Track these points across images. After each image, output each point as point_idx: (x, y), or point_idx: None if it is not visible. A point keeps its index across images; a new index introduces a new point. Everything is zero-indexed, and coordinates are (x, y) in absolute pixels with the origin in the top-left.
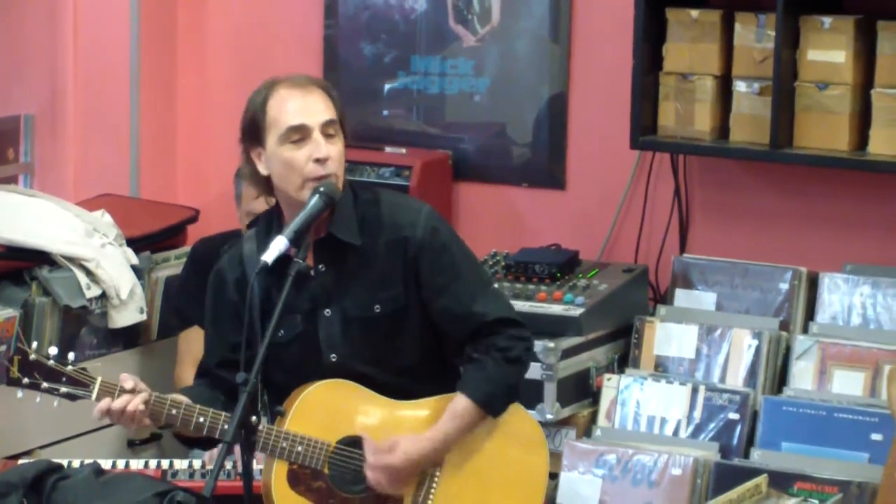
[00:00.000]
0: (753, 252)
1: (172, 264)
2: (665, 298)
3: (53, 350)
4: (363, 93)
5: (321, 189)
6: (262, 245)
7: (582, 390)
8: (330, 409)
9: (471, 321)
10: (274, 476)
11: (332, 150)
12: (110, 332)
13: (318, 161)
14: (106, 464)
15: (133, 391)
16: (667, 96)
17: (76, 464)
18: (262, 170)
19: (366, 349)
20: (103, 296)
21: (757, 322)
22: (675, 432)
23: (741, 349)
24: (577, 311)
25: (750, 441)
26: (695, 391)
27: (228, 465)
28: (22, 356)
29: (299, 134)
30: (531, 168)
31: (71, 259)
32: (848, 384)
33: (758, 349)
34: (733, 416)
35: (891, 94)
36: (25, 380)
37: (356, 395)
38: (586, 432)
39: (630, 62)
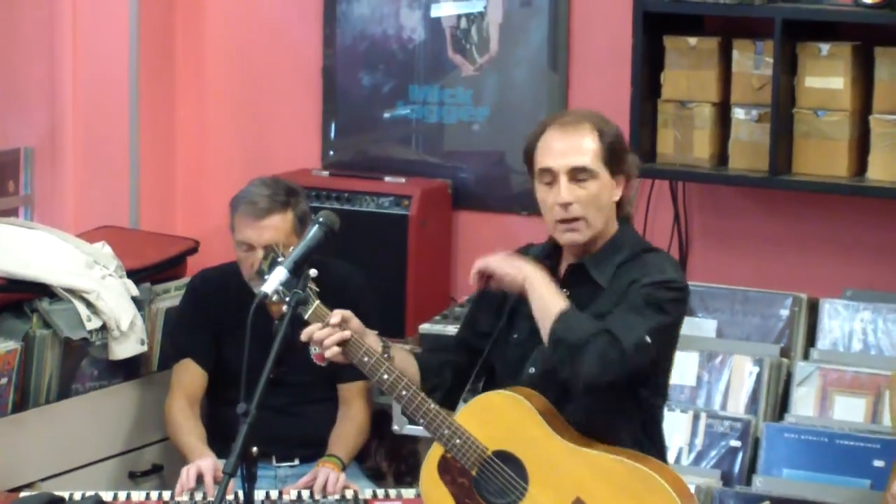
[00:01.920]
0: (753, 278)
1: (173, 295)
2: None
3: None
4: (362, 122)
5: (320, 219)
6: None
7: None
8: (501, 419)
9: None
10: (429, 456)
11: (580, 194)
12: (111, 363)
13: (562, 206)
14: (107, 496)
15: (339, 325)
16: (665, 124)
17: (77, 496)
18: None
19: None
20: (104, 327)
21: (758, 349)
22: (677, 460)
23: (742, 376)
24: None
25: (752, 468)
26: (696, 418)
27: (230, 496)
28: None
29: (550, 176)
30: (531, 196)
31: (71, 291)
32: (849, 410)
33: (759, 376)
34: (735, 443)
35: (889, 120)
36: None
37: (531, 419)
38: None
39: (628, 90)
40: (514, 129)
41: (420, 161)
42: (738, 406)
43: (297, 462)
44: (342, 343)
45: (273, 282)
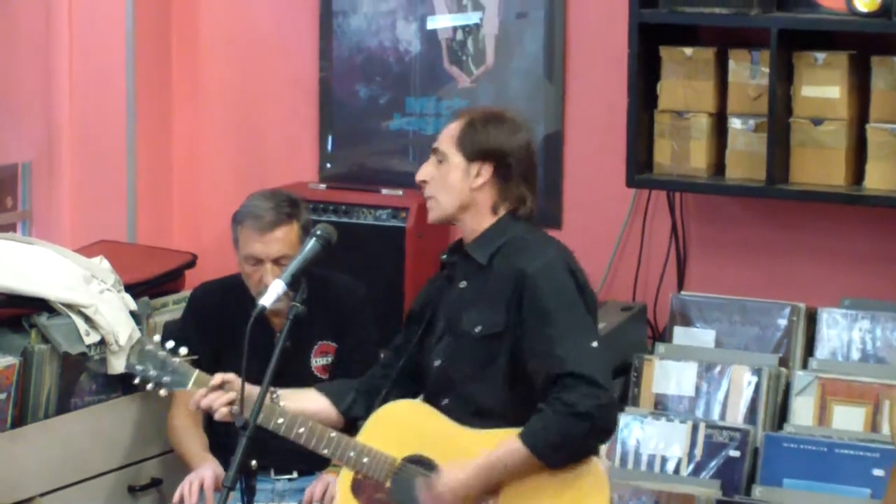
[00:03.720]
0: (751, 288)
1: (171, 309)
2: (664, 336)
3: (170, 343)
4: (359, 135)
5: (318, 232)
6: None
7: None
8: (403, 426)
9: (550, 365)
10: (340, 484)
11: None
12: (109, 377)
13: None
14: None
15: (220, 387)
16: (662, 134)
17: None
18: None
19: (464, 365)
20: (102, 342)
21: (756, 358)
22: (676, 470)
23: (741, 386)
24: None
25: (751, 478)
26: (695, 429)
27: None
28: (140, 346)
29: None
30: None
31: (69, 306)
32: (848, 419)
33: (757, 385)
34: (734, 453)
35: (886, 129)
36: (139, 367)
37: (432, 418)
38: None
39: (625, 100)
40: None
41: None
42: (737, 416)
43: (295, 475)
44: (231, 403)
45: (271, 295)
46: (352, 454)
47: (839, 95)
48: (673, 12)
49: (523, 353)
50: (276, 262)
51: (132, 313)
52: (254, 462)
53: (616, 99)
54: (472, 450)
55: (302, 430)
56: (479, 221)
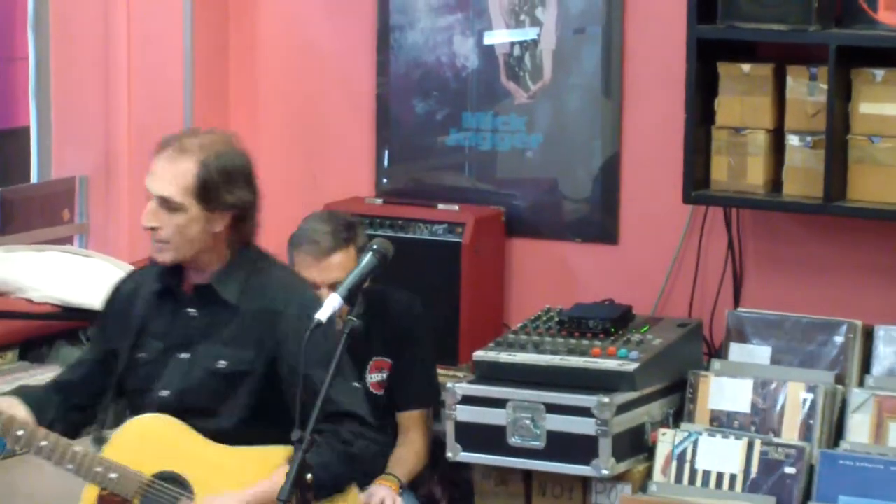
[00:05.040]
0: (807, 305)
1: None
2: (719, 352)
3: None
4: (415, 149)
5: (374, 247)
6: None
7: (637, 445)
8: (152, 442)
9: (326, 405)
10: (83, 499)
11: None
12: None
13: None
14: None
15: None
16: (719, 150)
17: None
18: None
19: (199, 398)
20: None
21: (812, 375)
22: (732, 487)
23: (796, 403)
24: (631, 366)
25: (807, 495)
26: (750, 445)
27: None
28: None
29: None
30: (584, 223)
31: None
32: None
33: (813, 403)
34: (790, 470)
35: None
36: None
37: (183, 434)
38: (641, 487)
39: (682, 116)
40: (568, 157)
41: (473, 188)
42: (792, 433)
43: None
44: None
45: (327, 309)
46: (98, 469)
47: None
48: (731, 28)
49: (289, 388)
50: (332, 287)
51: None
52: (309, 476)
53: (673, 115)
54: (225, 466)
55: (44, 443)
56: (216, 258)
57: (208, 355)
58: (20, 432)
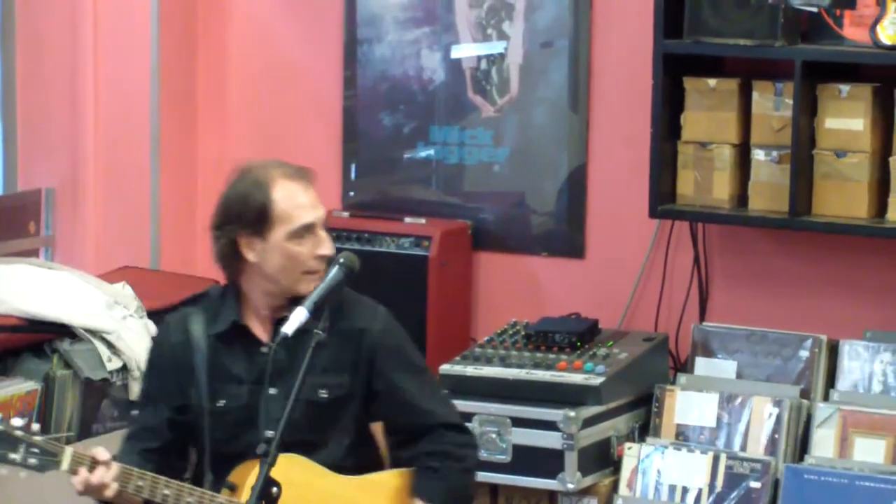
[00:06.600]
0: (773, 320)
1: None
2: (685, 367)
3: (18, 421)
4: (382, 163)
5: (341, 260)
6: (213, 320)
7: (603, 459)
8: (285, 484)
9: (422, 418)
10: None
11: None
12: (131, 404)
13: (320, 258)
14: None
15: (107, 463)
16: (685, 164)
17: None
18: (252, 258)
19: (304, 431)
20: (124, 368)
21: (777, 390)
22: (697, 501)
23: (762, 417)
24: (597, 380)
25: None
26: (716, 460)
27: None
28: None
29: (309, 231)
30: (551, 237)
31: (92, 331)
32: (870, 452)
33: (779, 417)
34: (755, 484)
35: None
36: None
37: (311, 471)
38: (608, 501)
39: (648, 131)
40: (535, 171)
41: (440, 202)
42: (758, 447)
43: None
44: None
45: (293, 323)
46: None
47: (863, 128)
48: (697, 43)
49: (388, 409)
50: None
51: None
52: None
53: (639, 129)
54: (359, 499)
55: (167, 491)
56: None
57: (306, 387)
58: (140, 482)
